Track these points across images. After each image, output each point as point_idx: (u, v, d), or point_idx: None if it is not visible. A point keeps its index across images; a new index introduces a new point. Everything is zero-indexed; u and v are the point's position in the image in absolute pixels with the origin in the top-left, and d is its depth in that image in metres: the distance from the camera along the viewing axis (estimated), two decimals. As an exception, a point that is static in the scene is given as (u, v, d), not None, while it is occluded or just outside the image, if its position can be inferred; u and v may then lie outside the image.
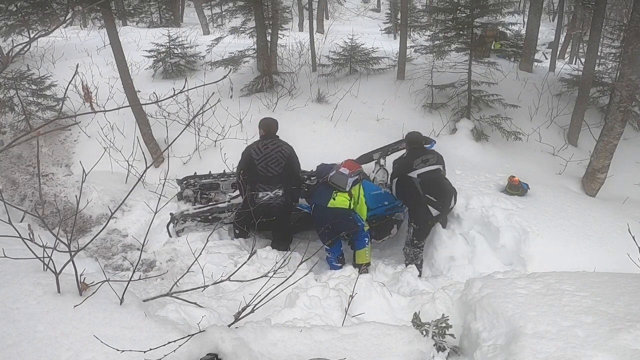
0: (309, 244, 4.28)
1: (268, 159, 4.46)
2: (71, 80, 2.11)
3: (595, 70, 7.67)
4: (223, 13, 16.27)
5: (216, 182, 5.54)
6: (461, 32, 7.10)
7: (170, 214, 4.93)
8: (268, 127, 4.67)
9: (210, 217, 5.01)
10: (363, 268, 4.49)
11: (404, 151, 5.06)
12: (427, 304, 3.27)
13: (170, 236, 4.91)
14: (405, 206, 4.86)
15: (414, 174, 4.52)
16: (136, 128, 6.26)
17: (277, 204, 4.53)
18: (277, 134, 4.75)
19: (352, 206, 4.56)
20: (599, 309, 2.52)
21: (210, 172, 5.66)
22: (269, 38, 8.21)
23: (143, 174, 2.61)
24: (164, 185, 3.57)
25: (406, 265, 4.68)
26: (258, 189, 4.48)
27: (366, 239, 4.65)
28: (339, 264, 4.69)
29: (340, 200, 4.48)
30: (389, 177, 5.07)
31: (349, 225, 4.56)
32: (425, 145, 5.01)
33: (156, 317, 2.58)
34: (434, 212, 4.48)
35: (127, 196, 2.78)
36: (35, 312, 2.26)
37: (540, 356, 2.24)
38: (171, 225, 4.91)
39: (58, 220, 5.11)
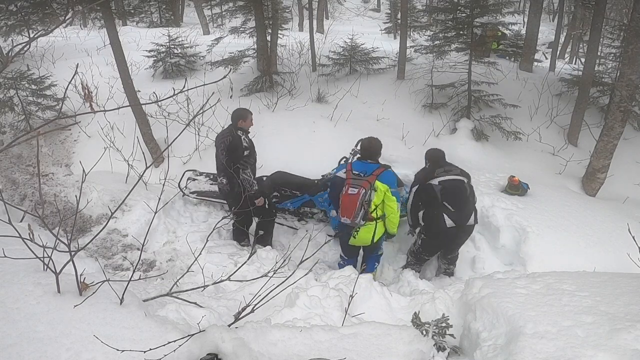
0: (308, 243, 4.26)
1: (218, 148, 4.57)
2: (71, 80, 2.11)
3: (595, 70, 7.67)
4: (223, 13, 16.25)
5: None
6: (461, 32, 7.10)
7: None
8: (232, 117, 4.68)
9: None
10: None
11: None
12: (427, 304, 3.27)
13: (180, 188, 5.47)
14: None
15: (435, 181, 4.30)
16: (136, 128, 6.26)
17: (224, 190, 4.63)
18: (238, 123, 4.62)
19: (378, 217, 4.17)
20: (599, 309, 2.52)
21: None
22: (269, 38, 8.21)
23: (143, 173, 2.60)
24: (163, 185, 3.57)
25: (403, 269, 4.66)
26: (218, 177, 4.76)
27: (377, 263, 4.58)
28: None
29: (361, 238, 4.23)
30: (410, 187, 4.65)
31: (372, 254, 4.51)
32: None
33: (156, 317, 2.58)
34: (449, 222, 4.23)
35: (127, 196, 2.78)
36: (35, 312, 2.25)
37: (540, 356, 2.23)
38: (188, 174, 5.65)
39: (58, 220, 5.11)
